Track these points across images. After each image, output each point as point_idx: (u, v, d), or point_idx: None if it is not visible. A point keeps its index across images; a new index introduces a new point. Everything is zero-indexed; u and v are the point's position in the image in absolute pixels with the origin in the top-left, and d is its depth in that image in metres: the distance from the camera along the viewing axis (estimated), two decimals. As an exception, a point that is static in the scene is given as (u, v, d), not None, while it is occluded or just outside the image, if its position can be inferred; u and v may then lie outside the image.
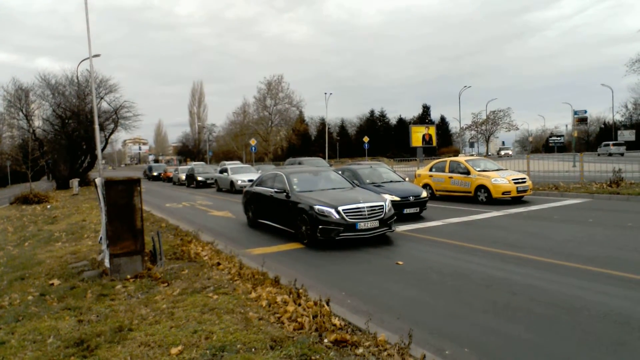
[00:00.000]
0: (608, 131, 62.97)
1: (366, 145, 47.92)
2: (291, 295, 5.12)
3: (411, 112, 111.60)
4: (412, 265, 7.04)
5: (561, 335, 4.22)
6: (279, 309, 4.75)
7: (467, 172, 14.78)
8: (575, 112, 69.09)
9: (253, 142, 45.31)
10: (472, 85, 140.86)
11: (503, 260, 7.13)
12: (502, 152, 70.87)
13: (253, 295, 5.21)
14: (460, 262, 7.13)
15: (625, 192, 14.06)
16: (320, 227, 8.41)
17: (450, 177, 15.36)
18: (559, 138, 69.36)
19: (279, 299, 5.03)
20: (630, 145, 49.85)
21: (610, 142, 48.94)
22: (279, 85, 70.81)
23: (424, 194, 12.15)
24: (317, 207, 8.58)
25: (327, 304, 4.76)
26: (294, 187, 9.81)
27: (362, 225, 8.48)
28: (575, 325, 4.44)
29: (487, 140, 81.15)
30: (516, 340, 4.18)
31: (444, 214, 12.14)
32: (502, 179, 13.89)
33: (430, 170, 16.52)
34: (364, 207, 8.60)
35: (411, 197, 11.76)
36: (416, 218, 11.65)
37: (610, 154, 41.43)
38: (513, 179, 13.99)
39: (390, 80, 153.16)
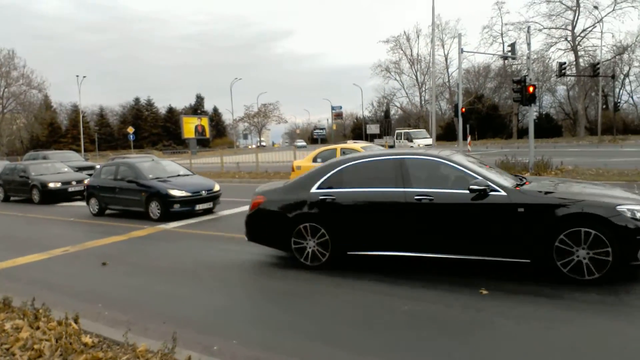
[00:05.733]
0: (359, 125, 73.64)
1: (131, 136, 43.82)
2: (26, 319, 4.16)
3: (183, 102, 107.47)
4: (168, 261, 6.94)
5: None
6: (8, 338, 3.79)
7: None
8: (333, 108, 79.40)
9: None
10: (244, 77, 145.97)
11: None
12: None
13: (-33, 329, 4.01)
14: (216, 252, 7.31)
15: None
16: None
17: None
18: (321, 130, 78.75)
19: (7, 326, 4.03)
20: (375, 138, 58.11)
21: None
22: (10, 62, 57.92)
23: (217, 187, 11.27)
24: None
25: (76, 321, 4.05)
26: None
27: None
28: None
29: (260, 132, 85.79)
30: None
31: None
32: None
33: (314, 160, 13.88)
34: None
35: (204, 192, 10.73)
36: (208, 214, 10.90)
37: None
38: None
39: (161, 67, 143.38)
